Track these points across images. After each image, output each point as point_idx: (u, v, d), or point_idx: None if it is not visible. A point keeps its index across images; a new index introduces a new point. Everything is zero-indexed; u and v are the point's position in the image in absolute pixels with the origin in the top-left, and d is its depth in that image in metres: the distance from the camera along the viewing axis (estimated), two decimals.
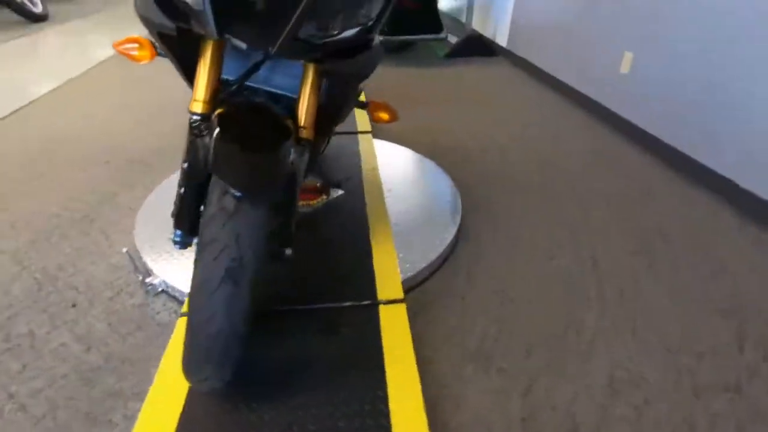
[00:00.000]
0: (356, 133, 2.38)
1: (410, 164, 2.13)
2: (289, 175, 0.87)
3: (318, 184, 1.89)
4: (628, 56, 2.56)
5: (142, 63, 1.04)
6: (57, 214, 1.80)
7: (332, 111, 1.14)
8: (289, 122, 0.94)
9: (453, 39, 4.38)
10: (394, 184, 1.93)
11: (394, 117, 1.34)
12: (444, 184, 1.94)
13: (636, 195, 2.03)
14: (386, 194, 1.85)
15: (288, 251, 1.02)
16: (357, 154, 2.16)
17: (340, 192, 1.86)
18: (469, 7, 4.28)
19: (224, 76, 1.00)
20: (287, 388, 1.05)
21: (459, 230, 1.72)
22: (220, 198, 0.77)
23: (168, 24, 0.83)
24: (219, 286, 0.76)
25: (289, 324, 1.23)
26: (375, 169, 2.04)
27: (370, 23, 0.91)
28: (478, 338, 1.29)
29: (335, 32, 0.88)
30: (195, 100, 0.92)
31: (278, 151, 0.83)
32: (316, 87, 1.00)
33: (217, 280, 0.76)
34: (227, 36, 0.80)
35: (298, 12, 0.74)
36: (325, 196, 1.82)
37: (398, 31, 3.87)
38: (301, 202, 1.76)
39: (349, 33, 0.89)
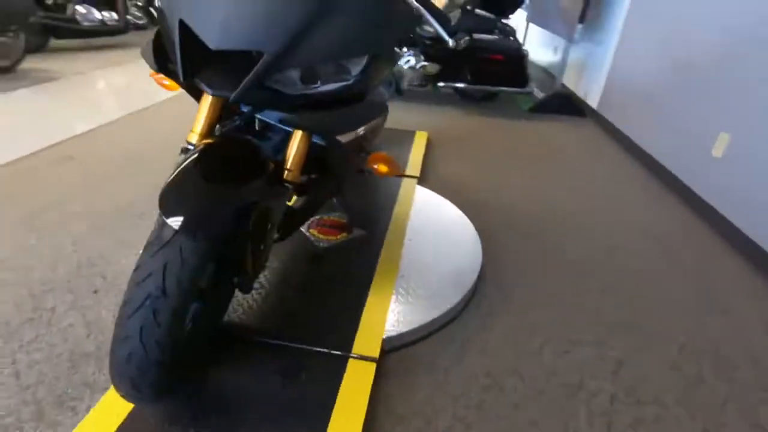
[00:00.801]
0: (401, 176, 2.39)
1: (444, 218, 2.06)
2: (240, 212, 0.88)
3: (344, 221, 1.91)
4: (724, 138, 2.24)
5: (171, 92, 1.16)
6: (120, 208, 2.05)
7: (328, 157, 1.16)
8: (269, 163, 0.98)
9: (541, 93, 4.25)
10: (418, 235, 1.88)
11: (394, 171, 1.33)
12: (470, 246, 1.84)
13: (706, 303, 1.73)
14: (406, 242, 1.81)
15: (249, 286, 1.04)
16: (394, 198, 2.16)
17: (362, 233, 1.86)
18: (563, 63, 4.13)
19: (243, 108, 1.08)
20: (232, 421, 1.05)
21: (471, 296, 1.61)
22: (161, 226, 0.82)
23: (155, 67, 0.92)
24: (136, 311, 0.80)
25: (256, 355, 1.24)
26: (406, 216, 2.01)
27: (350, 80, 0.92)
28: (448, 422, 1.17)
29: (304, 86, 0.89)
30: (192, 131, 0.99)
31: (230, 189, 0.86)
32: (306, 133, 1.02)
33: (136, 304, 0.80)
34: (196, 80, 0.86)
35: (257, 66, 0.78)
36: (345, 234, 1.84)
37: (481, 80, 3.87)
38: (322, 236, 1.80)
39: (323, 88, 0.91)
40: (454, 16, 3.77)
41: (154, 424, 1.02)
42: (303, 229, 1.85)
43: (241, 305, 1.40)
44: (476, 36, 3.78)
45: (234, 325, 1.32)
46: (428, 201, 2.20)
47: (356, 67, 0.91)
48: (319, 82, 0.89)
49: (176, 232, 0.79)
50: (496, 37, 3.84)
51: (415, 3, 1.01)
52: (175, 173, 0.84)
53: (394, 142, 2.89)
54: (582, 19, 3.70)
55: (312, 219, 1.91)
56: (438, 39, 3.82)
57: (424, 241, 1.85)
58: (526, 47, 3.91)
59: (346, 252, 1.74)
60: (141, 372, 0.82)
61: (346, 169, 1.39)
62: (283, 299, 1.46)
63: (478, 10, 3.82)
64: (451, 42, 1.10)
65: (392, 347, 1.37)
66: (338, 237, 1.82)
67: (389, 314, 1.42)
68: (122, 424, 1.00)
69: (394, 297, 1.50)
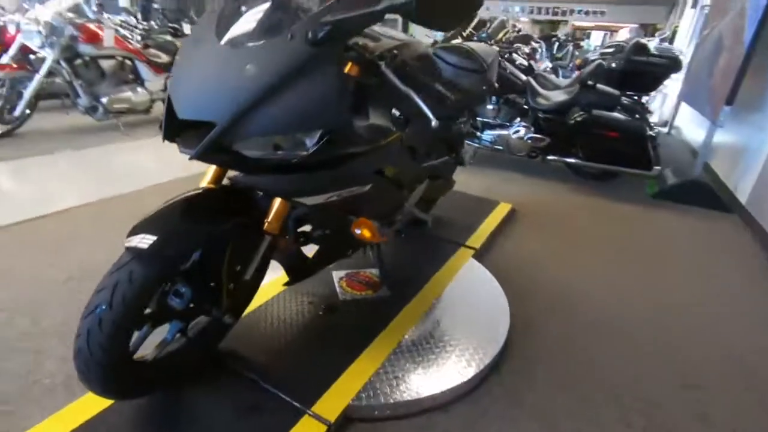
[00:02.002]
0: (458, 244, 2.32)
1: (480, 297, 1.92)
2: (199, 248, 1.00)
3: (375, 278, 1.94)
4: None
5: None
6: None
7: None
8: (254, 211, 1.10)
9: (673, 178, 3.68)
10: (445, 307, 1.79)
11: (375, 238, 1.33)
12: (494, 333, 1.67)
13: None
14: (429, 312, 1.74)
15: (224, 318, 1.16)
16: (439, 265, 2.11)
17: (387, 293, 1.86)
18: (705, 147, 3.54)
19: None
20: None
21: (478, 384, 1.46)
22: (125, 251, 0.99)
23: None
24: (87, 316, 0.97)
25: (223, 379, 1.34)
26: (442, 286, 1.95)
27: (306, 152, 0.99)
28: None
29: (263, 152, 0.99)
30: (203, 178, 1.19)
31: (194, 227, 1.00)
32: None
33: (89, 310, 0.96)
34: (176, 140, 1.03)
35: (210, 134, 0.91)
36: (371, 292, 1.86)
37: (595, 158, 3.56)
38: (347, 289, 1.86)
39: (278, 156, 1.00)
40: (572, 91, 3.62)
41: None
42: (335, 277, 1.94)
43: (235, 330, 1.52)
44: (595, 112, 3.54)
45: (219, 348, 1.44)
46: (473, 275, 2.08)
47: (311, 140, 1.00)
48: (280, 150, 0.99)
49: (131, 258, 0.96)
50: (617, 114, 3.53)
51: (397, 82, 1.06)
52: (155, 210, 1.02)
53: (469, 209, 2.83)
54: (730, 101, 3.17)
55: (349, 271, 1.99)
56: (552, 111, 3.69)
57: (448, 314, 1.75)
58: (664, 127, 3.49)
59: (362, 310, 1.75)
60: (86, 367, 0.98)
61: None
62: (277, 337, 1.54)
63: (600, 86, 3.60)
64: (434, 122, 1.10)
65: (366, 417, 1.32)
66: (362, 293, 1.85)
67: (377, 382, 1.38)
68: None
69: (388, 366, 1.45)
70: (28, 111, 3.83)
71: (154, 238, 0.96)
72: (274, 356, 1.47)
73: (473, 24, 3.79)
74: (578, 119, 3.54)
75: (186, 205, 1.05)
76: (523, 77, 3.82)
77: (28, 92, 3.69)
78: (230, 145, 0.97)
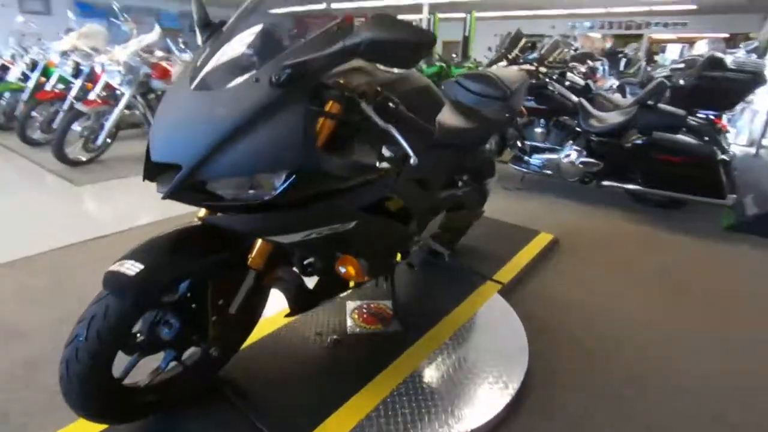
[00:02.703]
0: (484, 277, 2.19)
1: (500, 336, 1.78)
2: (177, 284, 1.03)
3: (388, 311, 1.89)
4: None
5: None
6: None
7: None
8: (235, 249, 1.12)
9: (754, 205, 3.22)
10: (459, 346, 1.69)
11: (359, 277, 1.28)
12: (507, 379, 1.54)
13: None
14: (441, 352, 1.65)
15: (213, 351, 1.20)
16: (459, 300, 2.00)
17: (398, 329, 1.79)
18: None
19: None
20: None
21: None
22: (103, 283, 1.04)
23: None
24: (68, 345, 1.02)
25: (209, 402, 1.37)
26: (458, 323, 1.84)
27: (275, 192, 0.99)
28: None
29: (234, 192, 1.00)
30: (198, 212, 1.23)
31: (171, 263, 1.03)
32: None
33: (70, 339, 1.02)
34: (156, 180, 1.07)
35: (177, 176, 0.94)
36: (380, 326, 1.81)
37: (656, 184, 3.23)
38: (357, 321, 1.82)
39: (248, 196, 1.00)
40: (629, 112, 3.34)
41: None
42: (348, 308, 1.91)
43: (239, 359, 1.54)
44: (655, 134, 3.23)
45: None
46: (496, 314, 1.94)
47: (279, 181, 1.00)
48: (251, 190, 1.00)
49: (107, 293, 1.01)
50: (682, 136, 3.19)
51: (376, 119, 1.03)
52: (137, 245, 1.07)
53: (503, 238, 2.68)
54: None
55: (363, 302, 1.95)
56: (605, 133, 3.43)
57: (459, 355, 1.64)
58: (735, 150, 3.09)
59: (369, 344, 1.70)
60: (68, 392, 1.04)
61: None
62: (278, 369, 1.54)
63: (663, 106, 3.28)
64: (412, 159, 1.06)
65: None
66: (371, 327, 1.80)
67: (373, 420, 1.33)
68: None
69: (381, 409, 1.39)
70: (109, 140, 4.32)
71: (130, 274, 1.01)
72: (270, 388, 1.46)
73: (519, 46, 3.67)
74: (635, 142, 3.25)
75: (167, 240, 1.09)
76: (574, 98, 3.60)
77: (108, 124, 4.16)
78: (202, 185, 1.00)
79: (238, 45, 1.01)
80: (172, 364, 1.29)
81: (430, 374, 1.55)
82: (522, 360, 1.64)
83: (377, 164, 1.16)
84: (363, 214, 1.23)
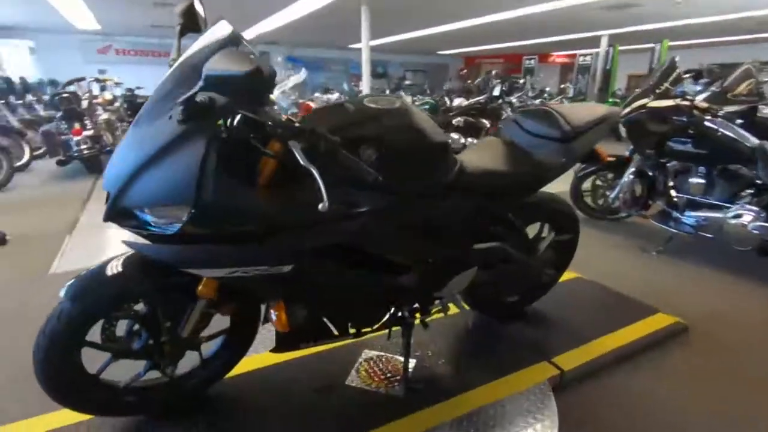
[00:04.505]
0: (541, 355, 1.75)
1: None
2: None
3: (400, 370, 1.67)
4: None
5: None
6: None
7: None
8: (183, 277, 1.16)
9: None
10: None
11: (282, 327, 1.13)
12: None
13: None
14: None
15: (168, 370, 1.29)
16: (489, 376, 1.65)
17: (399, 394, 1.56)
18: None
19: None
20: None
21: None
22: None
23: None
24: (36, 337, 1.17)
25: None
26: (472, 407, 1.51)
27: (182, 224, 0.98)
28: None
29: (157, 222, 1.03)
30: None
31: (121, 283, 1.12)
32: None
33: (39, 331, 1.18)
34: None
35: (108, 200, 1.02)
36: (383, 385, 1.61)
37: None
38: (362, 373, 1.66)
39: (160, 227, 1.02)
40: None
41: None
42: (362, 356, 1.76)
43: (228, 384, 1.56)
44: None
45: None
46: (532, 408, 1.52)
47: (184, 213, 0.99)
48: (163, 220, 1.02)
49: (61, 300, 1.15)
50: None
51: (300, 159, 0.95)
52: (100, 263, 1.20)
53: (599, 310, 2.11)
54: None
55: (380, 353, 1.78)
56: None
57: None
58: None
59: (360, 402, 1.53)
60: (37, 376, 1.20)
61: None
62: (257, 401, 1.51)
63: None
64: (320, 205, 0.93)
65: None
66: (372, 384, 1.62)
67: None
68: None
69: None
70: None
71: (78, 289, 1.15)
72: (243, 424, 1.44)
73: (672, 78, 2.96)
74: None
75: (126, 259, 1.20)
76: (754, 141, 2.69)
77: None
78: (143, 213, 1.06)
79: (168, 82, 1.07)
80: (155, 373, 1.38)
81: None
82: None
83: (318, 207, 1.06)
84: (306, 258, 1.13)
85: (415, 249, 1.37)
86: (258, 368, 1.68)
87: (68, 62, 11.07)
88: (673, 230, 3.00)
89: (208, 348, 1.49)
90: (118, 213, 1.04)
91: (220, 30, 1.07)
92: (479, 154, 1.57)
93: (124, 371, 1.35)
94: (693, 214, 2.94)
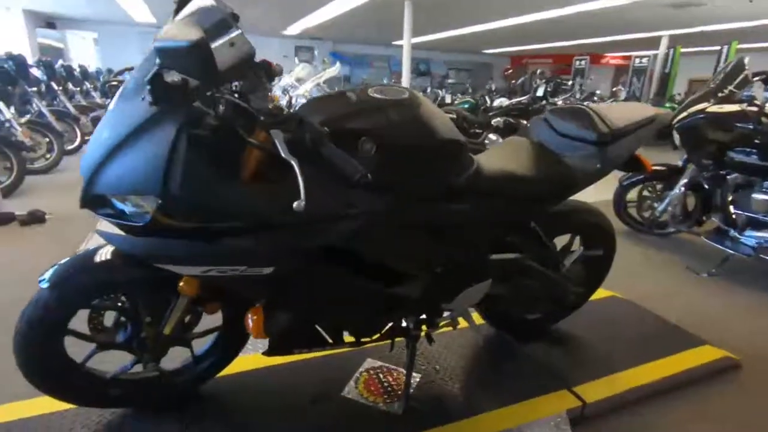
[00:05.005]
0: (561, 383, 1.57)
1: None
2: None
3: (401, 385, 1.55)
4: None
5: None
6: None
7: None
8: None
9: None
10: None
11: (258, 334, 1.02)
12: None
13: None
14: None
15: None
16: (498, 401, 1.49)
17: (397, 411, 1.44)
18: None
19: None
20: None
21: None
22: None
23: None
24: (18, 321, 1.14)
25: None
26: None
27: (147, 218, 0.90)
28: None
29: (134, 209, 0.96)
30: None
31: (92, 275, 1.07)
32: None
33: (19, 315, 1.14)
34: None
35: (82, 186, 0.95)
36: (381, 400, 1.49)
37: None
38: (360, 386, 1.55)
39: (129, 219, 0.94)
40: None
41: None
42: (364, 366, 1.65)
43: (221, 385, 1.50)
44: None
45: None
46: None
47: (153, 204, 0.91)
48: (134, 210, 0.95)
49: (41, 289, 1.10)
50: None
51: (281, 150, 0.85)
52: (85, 251, 1.15)
53: (635, 337, 1.88)
54: None
55: (383, 365, 1.66)
56: None
57: None
58: None
59: (352, 416, 1.42)
60: (16, 362, 1.16)
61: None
62: (245, 404, 1.43)
63: None
64: (296, 203, 0.83)
65: None
66: (369, 398, 1.50)
67: None
68: None
69: None
70: None
71: (56, 277, 1.10)
72: (222, 426, 1.37)
73: (738, 80, 2.64)
74: None
75: (107, 249, 1.14)
76: None
77: None
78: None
79: (149, 60, 0.99)
80: (140, 367, 1.34)
81: None
82: None
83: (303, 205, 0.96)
84: (290, 260, 1.03)
85: (419, 257, 1.24)
86: (253, 369, 1.60)
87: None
88: (730, 251, 2.68)
89: (202, 345, 1.42)
90: (92, 199, 0.97)
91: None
92: (501, 155, 1.41)
93: (119, 362, 1.31)
94: (754, 234, 2.61)
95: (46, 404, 1.37)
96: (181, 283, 1.13)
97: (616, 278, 1.92)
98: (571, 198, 1.50)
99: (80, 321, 1.20)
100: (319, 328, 1.30)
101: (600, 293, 2.02)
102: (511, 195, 1.32)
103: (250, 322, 1.12)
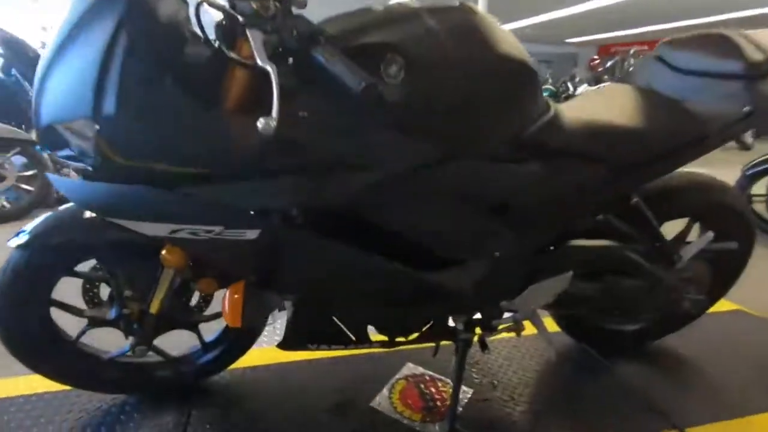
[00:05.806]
0: (664, 419, 1.15)
1: None
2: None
3: (446, 400, 1.23)
4: None
5: None
6: None
7: None
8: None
9: None
10: None
11: (232, 321, 0.74)
12: None
13: None
14: None
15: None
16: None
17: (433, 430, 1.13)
18: None
19: None
20: None
21: None
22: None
23: None
24: None
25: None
26: None
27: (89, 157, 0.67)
28: None
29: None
30: None
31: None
32: None
33: None
34: None
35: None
36: (416, 418, 1.18)
37: None
38: (394, 399, 1.25)
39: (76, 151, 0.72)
40: None
41: None
42: (403, 372, 1.35)
43: (232, 380, 1.29)
44: None
45: None
46: None
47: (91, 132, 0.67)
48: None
49: (12, 248, 0.94)
50: None
51: (258, 57, 0.58)
52: (60, 209, 0.98)
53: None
54: None
55: (426, 372, 1.35)
56: None
57: None
58: None
59: None
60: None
61: None
62: (254, 404, 1.20)
63: None
64: (260, 121, 0.54)
65: None
66: (404, 412, 1.20)
67: None
68: None
69: None
70: None
71: (29, 236, 0.93)
72: (229, 423, 1.15)
73: None
74: None
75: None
76: None
77: None
78: None
79: None
80: (142, 349, 1.16)
81: None
82: None
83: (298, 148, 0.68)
84: (282, 222, 0.76)
85: (466, 235, 0.91)
86: (269, 364, 1.37)
87: None
88: None
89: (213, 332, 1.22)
90: (44, 134, 0.77)
91: None
92: (591, 103, 1.04)
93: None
94: None
95: (47, 383, 1.25)
96: (163, 251, 0.92)
97: (743, 288, 1.43)
98: (689, 169, 1.08)
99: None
100: (338, 321, 1.03)
101: (721, 305, 1.54)
102: (605, 155, 0.95)
103: (226, 303, 0.87)
